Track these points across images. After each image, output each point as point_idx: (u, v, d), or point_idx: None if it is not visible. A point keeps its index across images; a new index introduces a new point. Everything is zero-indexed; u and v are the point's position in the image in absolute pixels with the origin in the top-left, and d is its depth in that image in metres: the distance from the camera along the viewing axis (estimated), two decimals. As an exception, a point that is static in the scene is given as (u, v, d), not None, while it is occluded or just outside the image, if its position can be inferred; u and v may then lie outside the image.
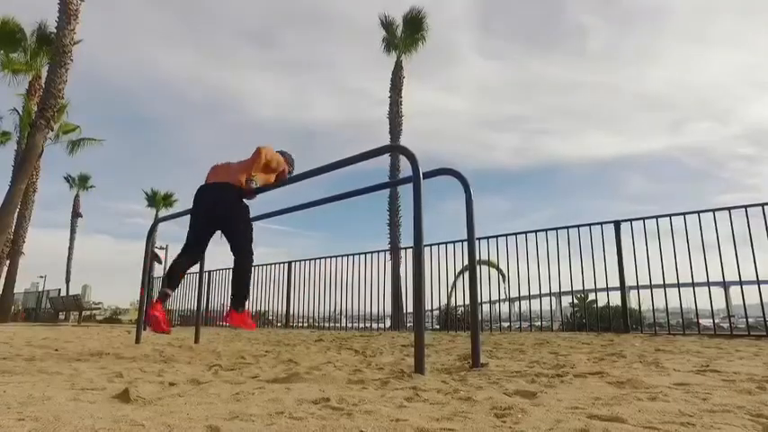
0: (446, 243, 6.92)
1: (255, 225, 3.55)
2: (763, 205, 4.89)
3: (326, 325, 8.96)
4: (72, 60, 13.33)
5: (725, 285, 5.20)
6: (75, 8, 13.30)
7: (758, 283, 4.95)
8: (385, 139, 17.09)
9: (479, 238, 6.49)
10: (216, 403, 1.53)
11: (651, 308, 5.61)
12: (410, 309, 7.10)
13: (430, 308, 9.48)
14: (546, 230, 6.25)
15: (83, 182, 32.06)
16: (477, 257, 3.96)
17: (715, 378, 1.96)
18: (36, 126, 12.77)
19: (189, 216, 3.49)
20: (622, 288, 5.80)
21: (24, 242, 16.55)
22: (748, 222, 4.93)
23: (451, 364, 2.69)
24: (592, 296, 8.63)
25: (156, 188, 33.97)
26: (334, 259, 8.50)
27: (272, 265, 9.65)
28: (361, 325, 8.73)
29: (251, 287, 3.49)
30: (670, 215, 5.39)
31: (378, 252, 7.96)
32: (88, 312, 16.49)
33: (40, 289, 24.34)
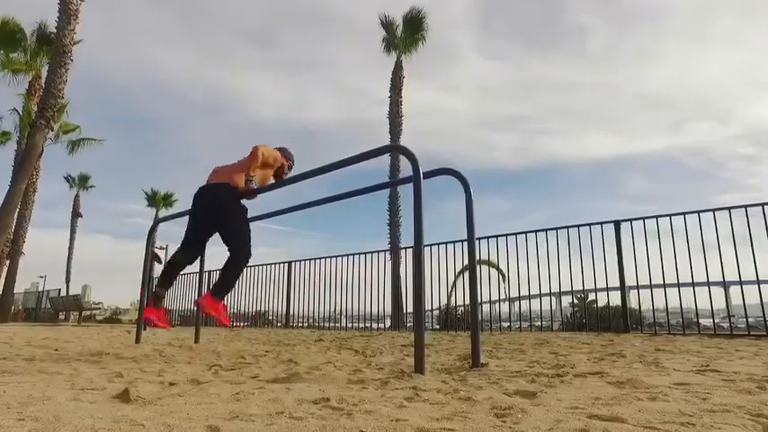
0: (446, 243, 6.92)
1: (255, 225, 3.54)
2: (763, 205, 4.89)
3: (326, 325, 8.96)
4: (72, 60, 13.34)
5: (725, 285, 5.20)
6: (75, 8, 13.30)
7: (758, 283, 4.94)
8: (385, 139, 17.11)
9: (479, 238, 6.49)
10: (216, 403, 1.53)
11: (651, 308, 5.61)
12: (410, 309, 7.11)
13: (430, 308, 9.48)
14: (546, 230, 6.25)
15: (83, 182, 32.07)
16: (477, 257, 3.96)
17: (715, 378, 1.96)
18: (36, 126, 12.78)
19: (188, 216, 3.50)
20: (622, 288, 5.80)
21: (24, 242, 16.55)
22: (748, 222, 4.93)
23: (451, 364, 2.69)
24: (592, 296, 8.63)
25: (156, 188, 33.98)
26: (334, 259, 8.50)
27: (272, 265, 9.65)
28: (361, 325, 8.73)
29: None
30: (670, 215, 5.39)
31: (378, 252, 7.96)
32: (88, 312, 16.50)
33: (40, 289, 24.35)
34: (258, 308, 10.23)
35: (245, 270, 9.66)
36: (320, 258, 8.77)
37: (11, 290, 16.09)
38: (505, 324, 7.15)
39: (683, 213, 5.29)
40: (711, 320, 5.22)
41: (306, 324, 9.52)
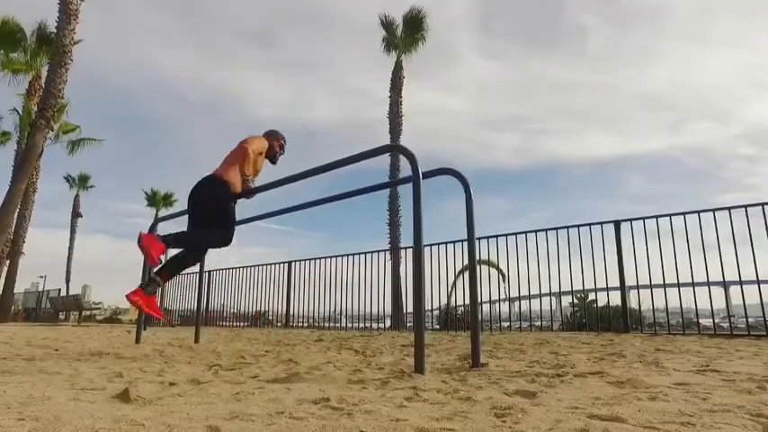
0: (446, 243, 6.92)
1: (256, 225, 3.54)
2: (763, 205, 4.89)
3: (326, 325, 8.96)
4: (72, 60, 13.34)
5: (725, 285, 5.20)
6: (75, 8, 13.30)
7: (758, 282, 4.94)
8: (385, 139, 17.09)
9: (479, 238, 6.49)
10: (216, 403, 1.53)
11: (651, 308, 5.61)
12: (410, 309, 7.11)
13: (430, 308, 9.48)
14: (546, 230, 6.25)
15: (83, 182, 32.04)
16: (477, 257, 3.96)
17: (715, 378, 1.96)
18: (36, 126, 12.78)
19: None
20: (622, 288, 5.80)
21: (24, 242, 16.55)
22: (748, 222, 4.93)
23: (451, 364, 2.69)
24: (592, 296, 8.63)
25: (156, 188, 33.97)
26: (334, 259, 8.50)
27: (272, 265, 9.65)
28: (361, 325, 8.73)
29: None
30: (670, 215, 5.39)
31: (378, 252, 7.96)
32: (88, 312, 16.50)
33: (40, 289, 24.31)
34: (258, 308, 10.23)
35: (245, 271, 9.55)
36: (320, 258, 8.78)
37: (11, 290, 16.09)
38: (505, 324, 7.15)
39: (683, 213, 5.29)
40: (711, 320, 5.22)
41: (306, 324, 9.52)
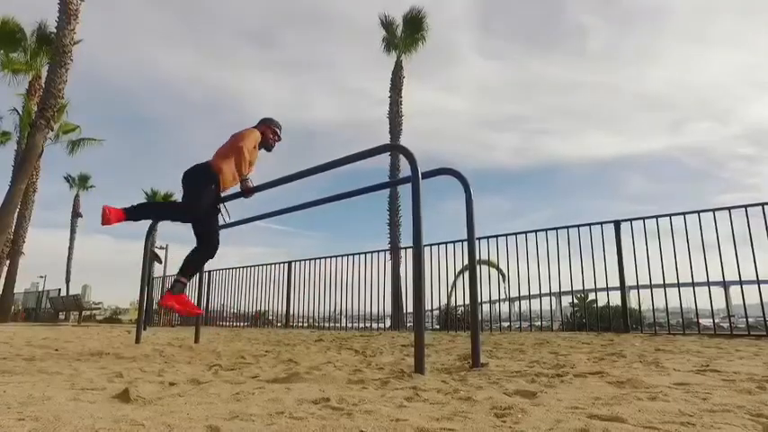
0: (446, 243, 6.92)
1: (256, 225, 3.56)
2: (763, 205, 4.89)
3: (326, 325, 8.96)
4: (72, 60, 13.33)
5: (725, 285, 5.20)
6: (75, 8, 13.30)
7: (758, 282, 4.94)
8: (385, 139, 17.06)
9: (479, 238, 6.48)
10: (216, 403, 1.53)
11: (651, 308, 5.61)
12: (410, 309, 7.10)
13: (430, 308, 9.48)
14: (546, 230, 6.25)
15: (83, 182, 32.05)
16: (477, 257, 3.96)
17: (715, 378, 1.96)
18: (36, 126, 12.77)
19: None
20: (622, 288, 5.80)
21: (24, 242, 16.54)
22: (748, 222, 4.93)
23: (451, 364, 2.69)
24: (592, 296, 8.63)
25: (156, 188, 33.90)
26: (334, 259, 8.50)
27: (272, 265, 9.65)
28: (361, 325, 8.73)
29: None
30: (670, 215, 5.39)
31: (378, 252, 7.96)
32: (88, 312, 16.50)
33: (40, 289, 24.32)
34: (258, 308, 10.23)
35: (245, 271, 9.57)
36: (320, 258, 8.78)
37: (11, 290, 16.09)
38: (505, 324, 7.14)
39: (683, 213, 5.29)
40: (711, 320, 5.22)
41: (306, 324, 9.51)
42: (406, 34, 18.12)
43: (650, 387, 1.73)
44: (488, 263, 6.96)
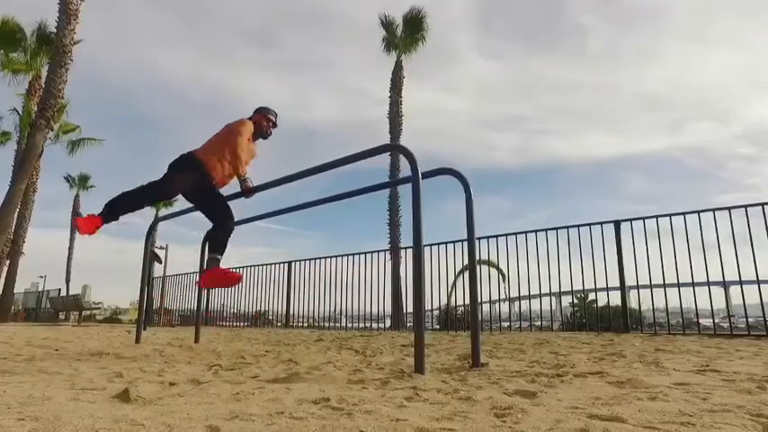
0: (446, 243, 6.92)
1: (256, 225, 3.56)
2: (763, 205, 4.89)
3: (326, 325, 8.96)
4: (72, 60, 13.33)
5: (725, 285, 5.20)
6: (75, 8, 13.30)
7: (758, 282, 4.94)
8: (385, 139, 17.04)
9: (479, 238, 6.48)
10: (216, 403, 1.53)
11: (651, 308, 5.61)
12: (410, 309, 7.10)
13: (430, 308, 9.47)
14: (546, 230, 6.25)
15: (83, 182, 31.99)
16: (477, 257, 3.96)
17: (715, 378, 1.96)
18: (36, 126, 12.77)
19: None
20: (622, 288, 5.79)
21: (24, 242, 16.54)
22: (748, 222, 4.93)
23: (451, 364, 2.69)
24: (592, 296, 8.62)
25: (157, 188, 33.86)
26: (334, 259, 8.49)
27: (272, 265, 9.66)
28: (361, 325, 8.73)
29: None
30: (670, 215, 5.39)
31: (378, 252, 7.96)
32: (88, 312, 16.49)
33: (40, 289, 24.32)
34: (258, 308, 10.23)
35: (245, 271, 9.60)
36: (320, 258, 8.78)
37: (11, 290, 16.08)
38: (505, 324, 7.14)
39: (683, 213, 5.29)
40: (711, 320, 5.21)
41: (306, 324, 9.52)
42: (406, 34, 18.11)
43: (650, 387, 1.73)
44: (488, 263, 6.96)
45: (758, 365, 2.36)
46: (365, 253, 8.00)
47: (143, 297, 5.24)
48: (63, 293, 18.52)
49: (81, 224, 3.05)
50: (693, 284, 5.27)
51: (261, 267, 9.84)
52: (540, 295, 6.73)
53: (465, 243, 3.71)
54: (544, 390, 1.72)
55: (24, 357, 3.06)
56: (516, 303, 7.69)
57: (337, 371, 2.39)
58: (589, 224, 6.00)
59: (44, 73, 14.88)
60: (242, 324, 10.48)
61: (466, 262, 4.68)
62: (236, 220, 3.48)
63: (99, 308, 22.72)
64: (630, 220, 5.73)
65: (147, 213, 33.95)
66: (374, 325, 8.48)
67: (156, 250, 14.64)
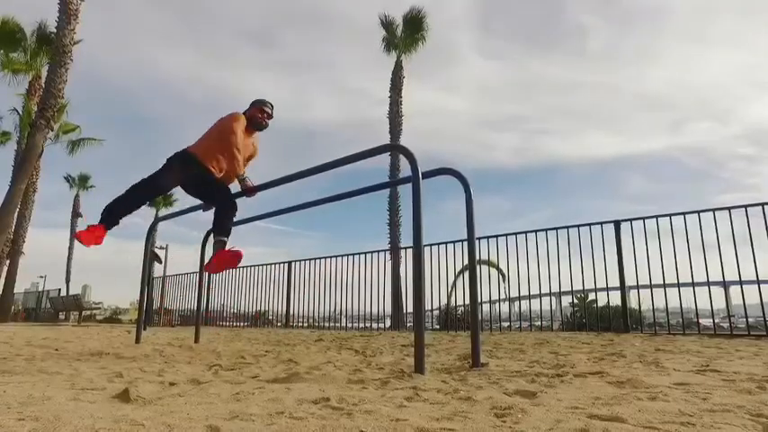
0: (446, 243, 6.92)
1: (256, 225, 3.57)
2: (763, 205, 4.89)
3: (326, 325, 8.96)
4: (72, 60, 13.33)
5: (725, 285, 5.20)
6: (75, 8, 13.30)
7: (758, 282, 4.94)
8: (385, 139, 17.05)
9: (479, 238, 6.48)
10: (216, 403, 1.53)
11: (651, 308, 5.61)
12: (410, 309, 7.10)
13: (430, 308, 9.47)
14: (546, 230, 6.25)
15: (83, 182, 32.01)
16: (477, 257, 3.96)
17: (715, 378, 1.96)
18: (36, 126, 12.77)
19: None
20: (622, 288, 5.80)
21: (24, 242, 16.54)
22: (748, 222, 4.93)
23: (451, 364, 2.69)
24: (592, 296, 8.62)
25: (157, 188, 33.86)
26: (334, 259, 8.50)
27: (272, 265, 9.66)
28: (361, 325, 8.73)
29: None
30: (670, 215, 5.39)
31: (378, 252, 7.96)
32: (88, 312, 16.49)
33: (40, 289, 24.33)
34: (258, 308, 10.23)
35: (245, 271, 9.60)
36: (320, 258, 8.78)
37: (11, 290, 16.08)
38: (505, 324, 7.14)
39: (683, 213, 5.29)
40: (711, 320, 5.21)
41: (306, 324, 9.52)
42: (406, 34, 18.11)
43: (650, 387, 1.73)
44: (488, 263, 6.96)
45: (758, 365, 2.36)
46: (365, 253, 8.01)
47: (143, 297, 5.25)
48: (63, 293, 18.52)
49: (84, 237, 3.04)
50: (693, 284, 5.27)
51: (261, 267, 9.84)
52: (540, 295, 6.73)
53: (465, 243, 3.71)
54: (544, 390, 1.72)
55: (24, 357, 3.06)
56: (516, 303, 7.70)
57: (337, 371, 2.39)
58: (589, 224, 6.00)
59: (44, 73, 14.89)
60: (242, 324, 10.48)
61: (466, 262, 4.68)
62: (236, 220, 3.47)
63: (99, 308, 22.73)
64: (630, 220, 5.74)
65: (147, 213, 34.00)
66: (374, 325, 8.48)
67: (156, 250, 14.66)
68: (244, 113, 3.49)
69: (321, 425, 1.22)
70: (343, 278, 8.29)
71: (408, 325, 9.91)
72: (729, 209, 5.04)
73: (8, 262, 15.27)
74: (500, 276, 7.03)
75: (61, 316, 16.81)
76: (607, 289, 5.97)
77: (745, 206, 5.01)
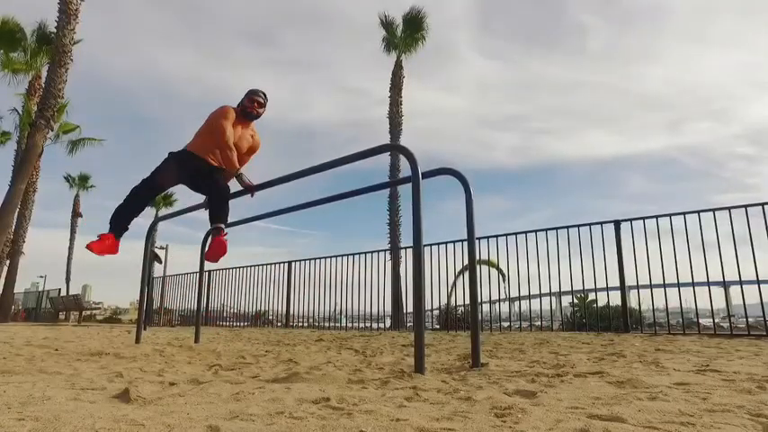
0: (446, 243, 6.92)
1: (256, 225, 3.57)
2: (763, 205, 4.89)
3: (326, 325, 8.96)
4: (72, 60, 13.33)
5: (725, 285, 5.19)
6: (75, 8, 13.29)
7: (758, 282, 4.94)
8: (385, 139, 17.02)
9: (479, 238, 6.48)
10: (216, 403, 1.53)
11: (651, 308, 5.61)
12: (410, 308, 7.10)
13: (430, 308, 9.48)
14: (546, 230, 6.25)
15: (83, 182, 31.97)
16: (477, 257, 3.96)
17: (715, 378, 1.96)
18: (36, 126, 12.77)
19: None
20: (622, 288, 5.79)
21: (24, 242, 16.54)
22: (748, 222, 4.93)
23: (451, 364, 2.69)
24: (592, 296, 8.62)
25: (157, 188, 33.80)
26: (334, 259, 8.50)
27: (272, 265, 9.65)
28: (361, 325, 8.73)
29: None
30: (670, 215, 5.39)
31: (378, 252, 7.96)
32: (88, 312, 16.50)
33: (40, 289, 24.33)
34: (258, 308, 10.23)
35: (245, 271, 9.56)
36: (320, 258, 8.78)
37: (11, 290, 16.07)
38: (505, 324, 7.15)
39: (683, 213, 5.29)
40: (711, 320, 5.21)
41: (306, 324, 9.52)
42: (406, 34, 18.09)
43: (650, 387, 1.73)
44: (488, 263, 6.96)
45: (758, 365, 2.36)
46: (365, 253, 8.01)
47: (143, 297, 5.25)
48: (63, 293, 18.51)
49: (96, 247, 3.05)
50: (693, 284, 5.27)
51: (261, 267, 9.84)
52: (540, 295, 6.74)
53: (465, 243, 3.71)
54: (544, 390, 1.72)
55: (24, 357, 3.06)
56: (516, 303, 7.70)
57: (337, 371, 2.39)
58: (589, 224, 6.00)
59: (44, 73, 14.89)
60: (242, 324, 10.48)
61: (466, 262, 4.68)
62: (236, 220, 3.48)
63: (99, 308, 22.75)
64: (630, 220, 5.73)
65: (148, 213, 33.90)
66: (374, 325, 8.48)
67: (156, 250, 14.66)
68: (237, 106, 3.48)
69: (321, 425, 1.22)
70: (343, 278, 8.30)
71: (408, 325, 9.91)
72: (729, 209, 5.04)
73: (8, 262, 15.27)
74: (500, 276, 7.03)
75: (61, 316, 16.81)
76: (607, 289, 5.97)
77: (745, 206, 5.01)
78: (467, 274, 3.06)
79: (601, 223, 5.92)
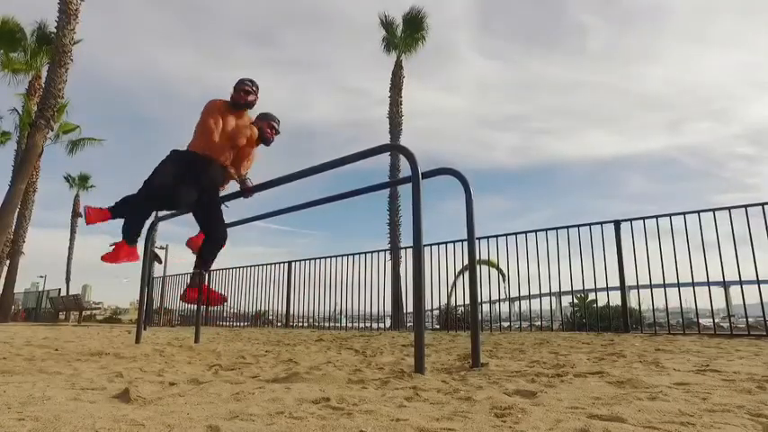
0: (446, 243, 6.92)
1: (256, 225, 3.57)
2: (763, 205, 4.89)
3: (326, 325, 8.96)
4: (72, 60, 13.33)
5: (725, 285, 5.20)
6: (75, 8, 13.30)
7: (758, 282, 4.94)
8: (385, 139, 17.03)
9: (479, 238, 6.48)
10: (216, 403, 1.53)
11: (651, 308, 5.61)
12: (410, 308, 7.10)
13: (430, 308, 9.48)
14: (546, 230, 6.25)
15: (83, 182, 31.98)
16: (477, 257, 3.96)
17: (715, 378, 1.96)
18: (36, 126, 12.77)
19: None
20: (622, 288, 5.80)
21: (24, 242, 16.55)
22: (748, 222, 4.93)
23: (451, 364, 2.69)
24: (592, 296, 8.62)
25: (157, 188, 33.77)
26: (334, 259, 8.49)
27: (272, 265, 9.65)
28: (361, 325, 8.73)
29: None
30: (670, 215, 5.39)
31: (378, 252, 7.96)
32: (88, 312, 16.50)
33: (40, 289, 24.32)
34: (258, 308, 10.23)
35: (245, 271, 9.58)
36: (320, 258, 8.78)
37: (11, 290, 16.08)
38: (505, 324, 7.15)
39: (683, 213, 5.29)
40: (711, 320, 5.21)
41: (306, 324, 9.51)
42: (406, 34, 18.10)
43: (650, 387, 1.73)
44: (488, 263, 6.96)
45: (758, 365, 2.36)
46: (365, 253, 8.01)
47: (143, 297, 5.24)
48: (63, 293, 18.52)
49: (89, 212, 3.11)
50: (693, 284, 5.27)
51: (261, 267, 9.84)
52: (540, 295, 6.74)
53: (465, 243, 3.71)
54: (544, 390, 1.72)
55: (24, 357, 3.06)
56: (516, 303, 7.70)
57: (337, 371, 2.39)
58: (589, 224, 6.00)
59: (44, 73, 14.90)
60: (242, 324, 10.48)
61: (466, 262, 4.68)
62: (236, 220, 3.48)
63: (99, 308, 22.75)
64: (630, 220, 5.73)
65: (147, 213, 33.91)
66: (374, 325, 8.48)
67: (156, 250, 14.65)
68: (253, 122, 3.51)
69: (321, 425, 1.22)
70: (343, 278, 8.30)
71: (408, 325, 9.91)
72: (729, 209, 5.04)
73: (8, 262, 15.27)
74: (500, 276, 7.03)
75: (61, 316, 16.81)
76: (607, 289, 5.97)
77: (745, 206, 5.01)
78: (467, 274, 3.06)
79: (601, 223, 5.92)
